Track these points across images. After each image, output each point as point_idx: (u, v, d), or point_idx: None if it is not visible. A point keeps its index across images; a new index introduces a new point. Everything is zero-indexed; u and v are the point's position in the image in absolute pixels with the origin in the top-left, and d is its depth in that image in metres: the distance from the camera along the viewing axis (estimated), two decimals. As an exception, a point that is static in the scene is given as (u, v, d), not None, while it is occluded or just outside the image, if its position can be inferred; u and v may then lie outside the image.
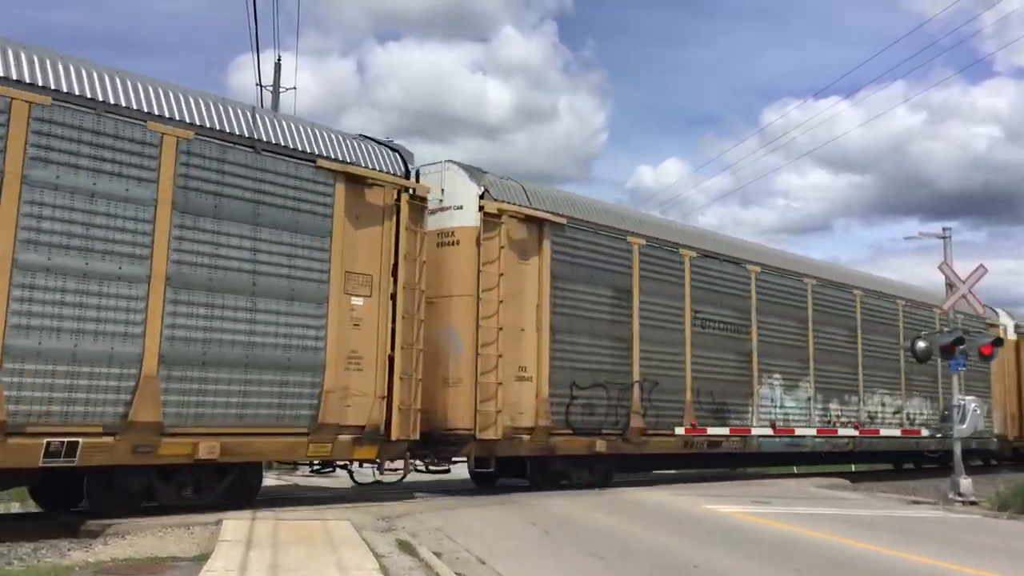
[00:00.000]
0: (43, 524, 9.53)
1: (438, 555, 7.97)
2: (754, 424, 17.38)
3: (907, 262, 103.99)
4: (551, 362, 13.59)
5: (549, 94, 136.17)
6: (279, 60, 29.98)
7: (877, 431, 21.00)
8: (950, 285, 17.47)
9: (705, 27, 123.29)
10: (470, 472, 14.75)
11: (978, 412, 17.45)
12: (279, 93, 25.67)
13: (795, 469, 24.18)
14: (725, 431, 16.64)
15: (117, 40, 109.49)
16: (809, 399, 18.95)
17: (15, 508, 13.10)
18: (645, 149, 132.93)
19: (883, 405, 21.30)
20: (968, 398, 17.83)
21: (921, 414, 22.73)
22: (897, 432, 21.63)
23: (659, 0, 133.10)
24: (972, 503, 15.24)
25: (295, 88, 28.27)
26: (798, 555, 8.80)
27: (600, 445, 14.28)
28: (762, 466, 19.84)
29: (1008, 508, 14.15)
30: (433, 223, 13.19)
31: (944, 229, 18.34)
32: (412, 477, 13.69)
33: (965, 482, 15.68)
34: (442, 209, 13.21)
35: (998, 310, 28.16)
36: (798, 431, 18.08)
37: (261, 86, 25.70)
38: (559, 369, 13.72)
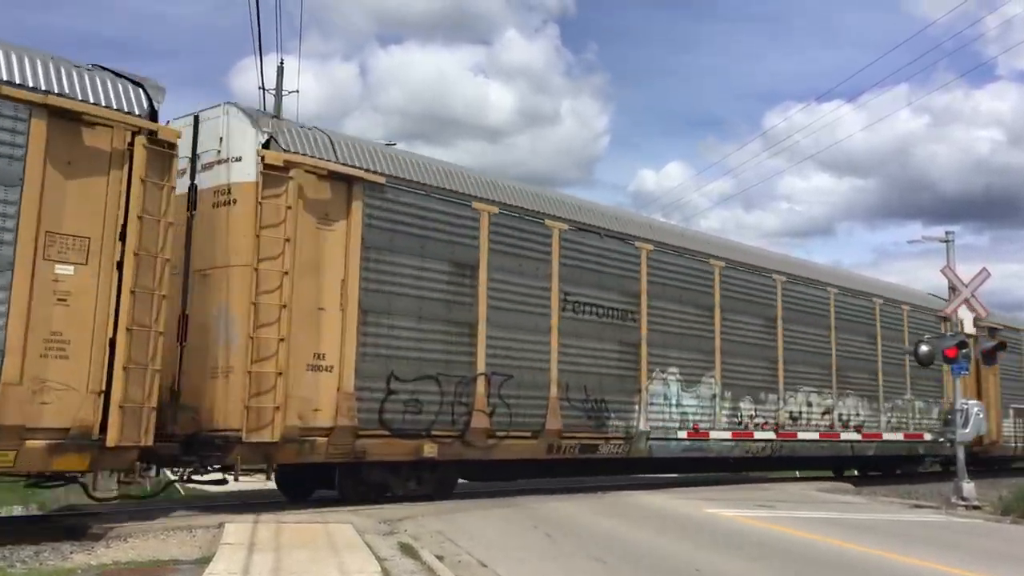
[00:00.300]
0: (45, 527, 9.25)
1: (440, 558, 7.92)
2: (640, 426, 15.03)
3: (910, 265, 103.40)
4: (360, 349, 11.23)
5: (551, 97, 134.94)
6: (282, 63, 30.82)
7: (796, 434, 18.70)
8: (953, 289, 17.25)
9: (707, 30, 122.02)
10: (276, 483, 12.49)
11: (980, 416, 17.41)
12: (282, 96, 25.74)
13: (797, 473, 22.29)
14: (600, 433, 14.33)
15: (119, 44, 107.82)
16: (714, 397, 16.61)
17: (17, 511, 12.60)
18: (647, 152, 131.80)
19: (809, 405, 18.98)
20: (971, 402, 17.51)
21: (857, 415, 20.42)
22: (830, 436, 19.34)
23: (661, 3, 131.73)
24: (975, 507, 15.10)
25: (298, 91, 27.92)
26: (800, 559, 8.86)
27: (429, 449, 11.92)
28: (656, 473, 17.40)
29: (1011, 512, 13.96)
30: (210, 179, 10.85)
31: (947, 233, 19.00)
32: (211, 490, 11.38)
33: (968, 486, 15.58)
34: (220, 162, 10.86)
35: (953, 302, 25.87)
36: (677, 434, 15.69)
37: (264, 89, 25.40)
38: (372, 357, 11.36)
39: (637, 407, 15.03)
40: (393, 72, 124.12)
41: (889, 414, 21.45)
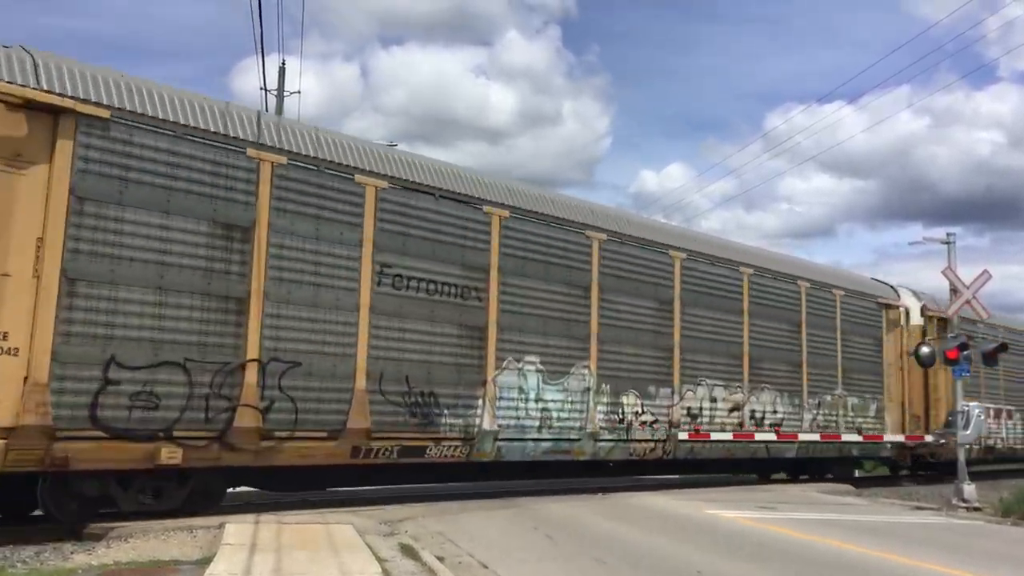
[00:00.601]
0: (46, 527, 9.18)
1: (440, 559, 8.02)
2: (484, 424, 12.67)
3: (911, 267, 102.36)
4: (62, 327, 8.81)
5: (552, 98, 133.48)
6: (283, 64, 31.96)
7: (708, 435, 16.39)
8: (954, 290, 17.49)
9: (708, 31, 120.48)
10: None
11: (982, 417, 17.50)
12: (283, 97, 25.67)
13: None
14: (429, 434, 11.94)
15: (121, 45, 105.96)
16: (588, 391, 14.24)
17: None
18: (648, 153, 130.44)
19: (713, 401, 16.62)
20: (972, 404, 17.52)
21: (774, 412, 18.06)
22: (739, 436, 17.01)
23: (662, 4, 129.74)
24: (976, 509, 15.25)
25: (299, 92, 27.40)
26: (799, 560, 8.95)
27: (169, 454, 9.51)
28: (511, 479, 14.92)
29: (1011, 514, 14.08)
30: None
31: (948, 234, 19.35)
32: None
33: (968, 488, 15.69)
34: None
35: (900, 289, 23.54)
36: (537, 433, 13.34)
37: (266, 90, 25.10)
38: (81, 338, 8.94)
39: (481, 402, 12.66)
40: (394, 73, 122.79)
41: (815, 411, 19.10)
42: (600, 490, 14.64)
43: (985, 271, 17.83)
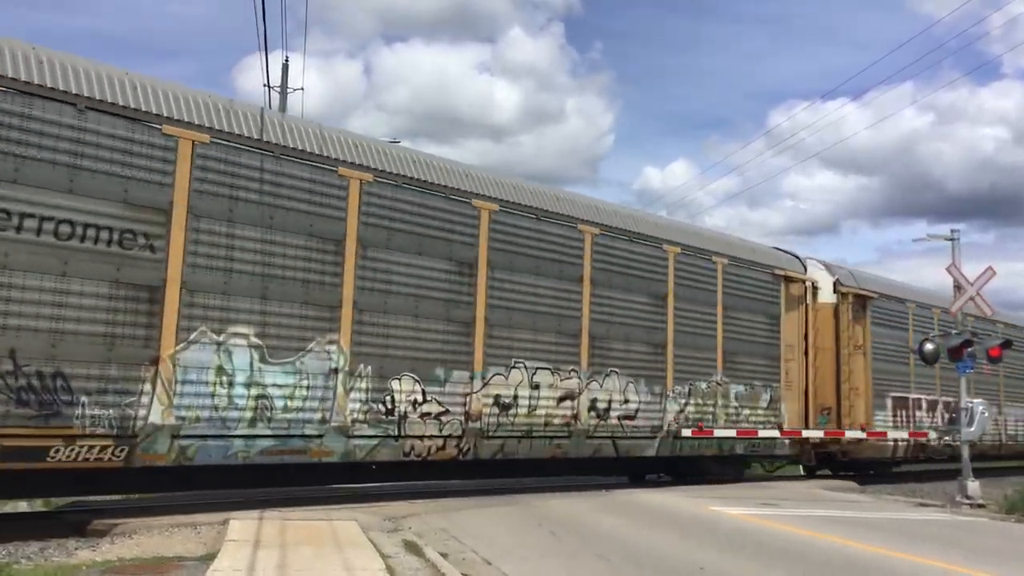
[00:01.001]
0: (50, 523, 9.24)
1: (444, 556, 8.00)
2: (153, 417, 9.40)
3: (915, 264, 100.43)
4: None
5: (556, 96, 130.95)
6: (287, 61, 31.17)
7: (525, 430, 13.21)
8: (958, 287, 17.64)
9: (712, 30, 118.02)
10: None
11: (986, 415, 17.48)
12: (287, 94, 25.49)
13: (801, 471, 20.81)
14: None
15: (125, 43, 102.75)
16: (335, 372, 11.00)
17: (22, 507, 12.34)
18: (652, 151, 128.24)
19: (535, 388, 13.41)
20: (976, 400, 17.48)
21: (625, 402, 14.88)
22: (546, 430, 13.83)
23: (666, 2, 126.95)
24: (979, 506, 15.22)
25: (303, 89, 26.40)
26: (803, 557, 8.86)
27: None
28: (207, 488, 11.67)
29: (1016, 511, 14.10)
30: None
31: (952, 231, 18.62)
32: None
33: (972, 485, 15.65)
34: None
35: (808, 260, 20.43)
36: (253, 428, 10.12)
37: (269, 87, 24.97)
38: None
39: (150, 387, 9.39)
40: (398, 70, 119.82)
41: (683, 401, 15.92)
42: (603, 487, 14.82)
43: (989, 268, 17.56)
